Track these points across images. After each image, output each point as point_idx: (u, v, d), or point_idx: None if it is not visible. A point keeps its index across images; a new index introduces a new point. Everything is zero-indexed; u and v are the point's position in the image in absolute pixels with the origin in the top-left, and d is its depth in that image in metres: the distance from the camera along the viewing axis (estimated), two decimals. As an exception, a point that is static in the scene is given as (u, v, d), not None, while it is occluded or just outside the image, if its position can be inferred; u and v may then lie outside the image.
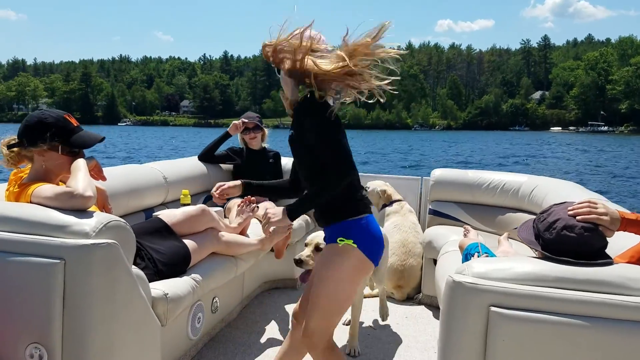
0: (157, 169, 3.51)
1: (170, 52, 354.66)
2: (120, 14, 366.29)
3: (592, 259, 1.75)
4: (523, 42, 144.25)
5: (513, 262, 1.76)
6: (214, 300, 2.91)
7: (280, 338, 3.06)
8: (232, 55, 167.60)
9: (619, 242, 2.04)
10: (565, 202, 1.94)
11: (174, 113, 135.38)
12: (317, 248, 2.40)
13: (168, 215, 2.76)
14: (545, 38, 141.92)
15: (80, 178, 2.05)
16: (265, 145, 4.28)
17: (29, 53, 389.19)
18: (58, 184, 2.20)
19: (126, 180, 3.13)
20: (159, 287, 2.28)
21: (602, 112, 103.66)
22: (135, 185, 3.18)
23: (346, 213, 1.93)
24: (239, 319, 3.33)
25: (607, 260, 1.76)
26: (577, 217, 1.79)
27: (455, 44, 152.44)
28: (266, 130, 4.25)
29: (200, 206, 2.88)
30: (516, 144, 51.07)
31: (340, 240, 1.92)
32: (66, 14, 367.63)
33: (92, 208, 2.33)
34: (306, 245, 2.49)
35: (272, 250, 3.40)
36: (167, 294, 2.26)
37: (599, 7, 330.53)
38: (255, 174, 4.04)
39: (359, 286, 2.30)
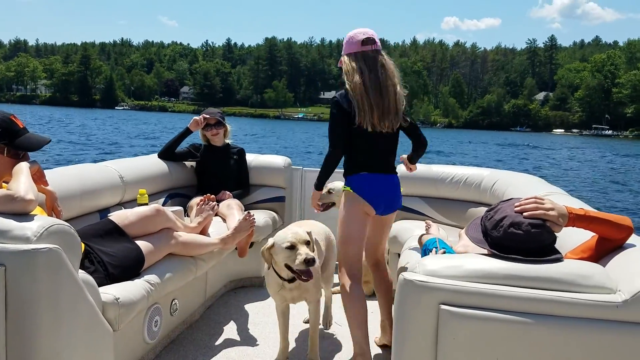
0: (113, 168, 3.43)
1: (173, 37, 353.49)
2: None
3: (542, 255, 1.74)
4: (529, 42, 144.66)
5: (464, 259, 1.76)
6: (173, 303, 2.87)
7: (241, 339, 3.05)
8: (235, 43, 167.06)
9: (573, 238, 2.06)
10: (512, 199, 1.95)
11: (173, 99, 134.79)
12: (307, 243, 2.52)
13: (119, 217, 2.68)
14: (552, 38, 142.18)
15: (21, 181, 2.02)
16: (228, 141, 4.22)
17: (33, 33, 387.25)
18: (1, 186, 2.15)
19: (79, 180, 3.05)
20: (109, 292, 2.24)
21: (607, 116, 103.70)
22: (89, 186, 3.10)
23: (346, 172, 2.76)
24: (201, 321, 3.29)
25: (556, 257, 1.76)
26: (524, 214, 1.79)
27: (461, 41, 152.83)
28: (229, 127, 4.18)
29: (154, 206, 2.81)
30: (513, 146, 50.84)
31: (344, 188, 2.74)
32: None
33: (39, 211, 2.28)
34: (307, 244, 2.49)
35: (235, 249, 3.36)
36: (119, 298, 2.23)
37: (607, 9, 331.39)
38: (218, 172, 4.02)
39: (364, 224, 2.74)
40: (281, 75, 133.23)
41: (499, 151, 40.54)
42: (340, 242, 2.75)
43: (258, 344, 2.97)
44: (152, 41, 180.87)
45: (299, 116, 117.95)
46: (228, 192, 3.85)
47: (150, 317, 2.59)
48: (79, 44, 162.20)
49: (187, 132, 4.05)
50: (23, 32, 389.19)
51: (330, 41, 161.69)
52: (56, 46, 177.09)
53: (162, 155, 4.01)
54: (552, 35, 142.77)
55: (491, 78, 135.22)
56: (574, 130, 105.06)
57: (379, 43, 2.72)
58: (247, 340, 3.04)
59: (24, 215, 1.91)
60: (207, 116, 4.06)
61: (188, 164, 4.19)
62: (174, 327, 2.98)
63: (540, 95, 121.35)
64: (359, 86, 2.58)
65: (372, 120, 2.59)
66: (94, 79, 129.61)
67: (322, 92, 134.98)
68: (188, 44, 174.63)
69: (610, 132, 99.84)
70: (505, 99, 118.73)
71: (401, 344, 1.71)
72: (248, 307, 3.56)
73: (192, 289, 3.15)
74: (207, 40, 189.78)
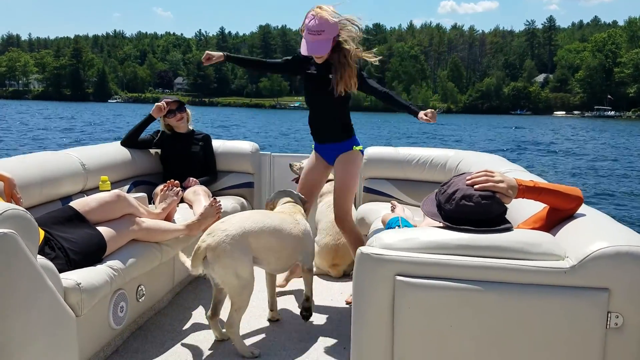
0: (74, 156, 3.46)
1: (167, 28, 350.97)
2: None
3: (492, 226, 1.84)
4: (527, 23, 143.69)
5: (418, 232, 1.85)
6: (139, 289, 2.91)
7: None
8: (229, 32, 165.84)
9: (526, 210, 2.16)
10: (464, 173, 2.05)
11: (167, 90, 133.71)
12: None
13: (80, 203, 2.72)
14: (551, 19, 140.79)
15: None
16: (192, 127, 4.25)
17: (25, 28, 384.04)
18: None
19: (39, 168, 3.07)
20: (71, 277, 2.27)
21: (608, 96, 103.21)
22: (50, 174, 3.12)
23: (352, 132, 3.28)
24: (169, 307, 3.34)
25: (506, 226, 1.85)
26: (475, 187, 1.88)
27: (458, 24, 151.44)
28: (189, 112, 4.20)
29: (115, 192, 2.84)
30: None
31: (355, 147, 3.25)
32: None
33: None
34: None
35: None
36: (80, 283, 2.26)
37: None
38: (183, 159, 4.06)
39: None
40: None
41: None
42: (351, 197, 3.31)
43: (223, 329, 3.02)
44: (146, 32, 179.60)
45: (295, 105, 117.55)
46: (194, 179, 3.89)
47: (115, 303, 2.62)
48: (72, 37, 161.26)
49: (149, 119, 4.06)
50: (15, 27, 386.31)
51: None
52: (49, 40, 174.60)
53: (124, 143, 4.03)
54: (551, 15, 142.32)
55: (490, 61, 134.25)
56: (575, 112, 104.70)
57: None
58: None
59: None
60: (170, 100, 4.08)
61: (153, 151, 4.21)
62: (141, 313, 3.03)
63: (540, 77, 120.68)
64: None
65: None
66: (86, 72, 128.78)
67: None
68: (182, 34, 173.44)
69: (612, 112, 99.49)
70: (505, 82, 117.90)
71: (360, 315, 1.80)
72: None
73: (160, 275, 3.20)
74: (200, 30, 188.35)
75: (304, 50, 2.99)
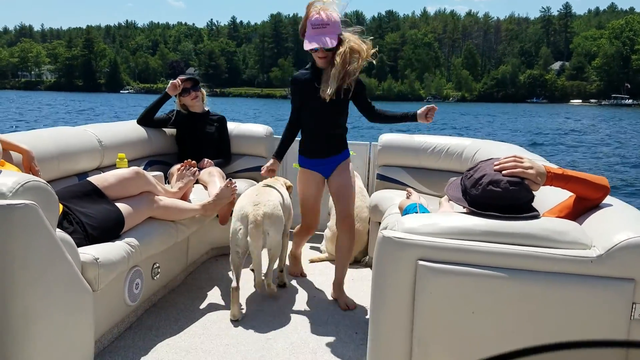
0: (91, 132, 3.47)
1: (179, 18, 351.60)
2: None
3: (519, 213, 1.81)
4: (543, 10, 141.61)
5: (442, 217, 1.83)
6: (154, 266, 2.94)
7: (224, 303, 3.14)
8: (240, 22, 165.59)
9: (552, 197, 2.14)
10: (491, 158, 2.00)
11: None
12: None
13: (99, 179, 2.72)
14: (567, 6, 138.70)
15: None
16: (207, 108, 4.25)
17: (38, 18, 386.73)
18: None
19: (57, 143, 3.08)
20: (89, 252, 2.28)
21: (626, 84, 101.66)
22: (67, 149, 3.13)
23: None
24: (182, 285, 3.37)
25: (533, 214, 1.82)
26: (503, 172, 1.85)
27: (473, 11, 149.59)
28: (204, 91, 4.21)
29: (134, 168, 2.85)
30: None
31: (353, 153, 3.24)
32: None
33: (12, 168, 2.37)
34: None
35: (217, 216, 3.43)
36: (98, 258, 2.27)
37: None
38: (199, 139, 4.06)
39: None
40: (287, 53, 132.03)
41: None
42: (353, 200, 3.24)
43: (242, 308, 3.05)
44: (158, 22, 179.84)
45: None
46: (209, 160, 3.90)
47: (131, 280, 2.64)
48: (84, 27, 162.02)
49: (165, 96, 4.06)
50: (28, 18, 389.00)
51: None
52: (62, 31, 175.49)
53: (140, 121, 4.04)
54: (567, 2, 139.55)
55: (505, 48, 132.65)
56: (592, 101, 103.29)
57: None
58: (229, 305, 3.08)
59: None
60: (184, 77, 4.09)
61: (168, 131, 4.22)
62: (155, 290, 3.06)
63: (556, 65, 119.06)
64: None
65: None
66: (98, 63, 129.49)
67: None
68: (193, 24, 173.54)
69: (630, 101, 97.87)
70: (521, 69, 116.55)
71: (380, 299, 1.78)
72: (231, 273, 3.62)
73: (174, 254, 3.23)
74: (212, 19, 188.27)
75: (308, 45, 2.82)
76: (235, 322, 2.87)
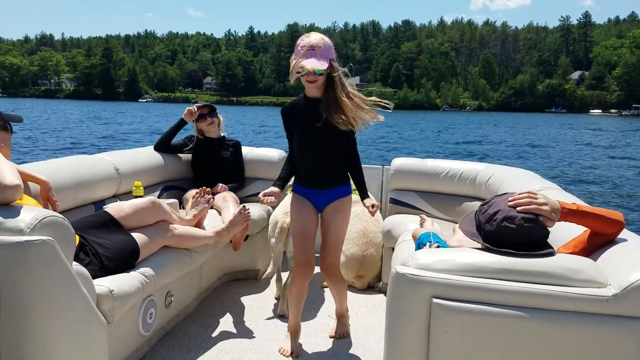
0: (108, 160, 3.51)
1: (198, 28, 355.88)
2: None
3: (534, 249, 1.81)
4: (562, 19, 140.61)
5: (456, 253, 1.82)
6: (168, 295, 2.94)
7: (236, 331, 3.13)
8: (258, 31, 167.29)
9: (566, 232, 2.11)
10: (506, 193, 2.00)
11: (196, 90, 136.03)
12: None
13: (115, 208, 2.75)
14: (586, 15, 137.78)
15: (2, 169, 2.04)
16: (223, 134, 4.31)
17: (59, 27, 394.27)
18: None
19: (74, 172, 3.11)
20: (104, 284, 2.29)
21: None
22: (84, 177, 3.16)
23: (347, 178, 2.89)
24: (196, 313, 3.37)
25: (548, 251, 1.82)
26: (517, 208, 1.85)
27: (490, 21, 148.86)
28: (221, 117, 4.27)
29: (150, 198, 2.87)
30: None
31: (354, 191, 2.88)
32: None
33: (33, 202, 2.37)
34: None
35: (230, 242, 3.44)
36: (113, 290, 2.28)
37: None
38: (213, 164, 4.10)
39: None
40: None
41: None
42: (339, 251, 2.95)
43: (254, 337, 3.05)
44: (177, 32, 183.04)
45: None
46: (223, 185, 3.93)
47: (145, 310, 2.64)
48: (104, 37, 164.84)
49: (181, 123, 4.13)
50: (49, 27, 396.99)
51: (354, 25, 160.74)
52: (82, 40, 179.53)
53: (157, 147, 4.11)
54: (586, 11, 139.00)
55: (523, 57, 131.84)
56: (612, 111, 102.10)
57: None
58: (243, 332, 3.11)
59: (16, 207, 1.93)
60: (200, 104, 4.17)
61: (183, 156, 4.27)
62: (168, 319, 3.05)
63: (576, 75, 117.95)
64: None
65: None
66: (117, 72, 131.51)
67: (345, 77, 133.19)
68: (212, 34, 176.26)
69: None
70: (539, 79, 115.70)
71: (394, 336, 1.77)
72: (243, 299, 3.65)
73: (187, 281, 3.23)
74: (229, 30, 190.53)
75: (294, 74, 2.60)
76: (254, 338, 3.04)
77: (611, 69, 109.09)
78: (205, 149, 4.17)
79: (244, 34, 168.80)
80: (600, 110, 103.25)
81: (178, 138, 4.23)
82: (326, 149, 2.74)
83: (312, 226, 2.83)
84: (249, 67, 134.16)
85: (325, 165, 2.78)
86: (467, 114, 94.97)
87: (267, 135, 32.31)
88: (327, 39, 2.56)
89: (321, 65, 2.48)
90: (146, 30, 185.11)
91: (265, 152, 4.49)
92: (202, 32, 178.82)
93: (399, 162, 4.15)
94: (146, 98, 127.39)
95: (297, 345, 2.89)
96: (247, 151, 4.43)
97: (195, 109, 4.12)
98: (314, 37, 2.53)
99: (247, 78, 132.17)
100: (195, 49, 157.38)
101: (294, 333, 2.90)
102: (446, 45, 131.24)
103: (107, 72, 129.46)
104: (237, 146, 4.29)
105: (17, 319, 1.82)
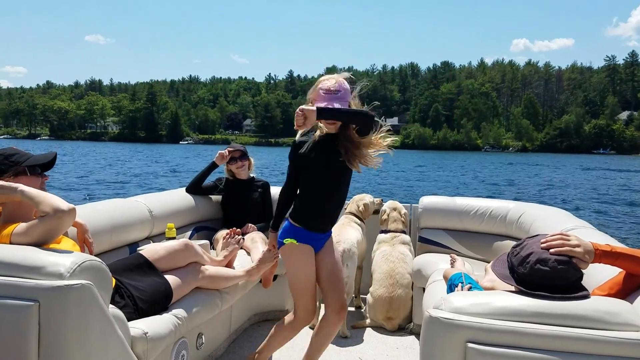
0: (143, 203, 3.62)
1: (241, 73, 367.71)
2: (203, 37, 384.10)
3: (569, 292, 1.79)
4: (607, 59, 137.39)
5: (490, 296, 1.81)
6: (199, 336, 2.97)
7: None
8: (298, 75, 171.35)
9: (600, 274, 2.10)
10: (538, 235, 2.00)
11: (236, 132, 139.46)
12: None
13: (149, 251, 2.83)
14: (633, 54, 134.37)
15: (47, 197, 2.15)
16: (253, 175, 4.44)
17: (108, 73, 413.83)
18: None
19: (110, 215, 3.21)
20: (138, 326, 2.33)
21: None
22: (119, 220, 3.26)
23: None
24: (226, 355, 3.39)
25: (583, 294, 1.80)
26: (550, 250, 1.84)
27: (532, 61, 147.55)
28: (252, 160, 4.40)
29: (183, 241, 2.96)
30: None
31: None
32: (153, 37, 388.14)
33: (71, 244, 2.51)
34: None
35: (260, 281, 3.50)
36: (147, 332, 2.32)
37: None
38: (243, 204, 4.21)
39: None
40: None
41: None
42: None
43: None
44: (220, 77, 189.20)
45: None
46: (252, 225, 4.03)
47: (177, 351, 2.66)
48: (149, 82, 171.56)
49: (213, 166, 4.28)
50: (98, 73, 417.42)
51: (393, 67, 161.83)
52: (129, 85, 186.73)
53: (190, 190, 4.25)
54: (633, 51, 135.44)
55: (568, 97, 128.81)
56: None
57: None
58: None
59: (57, 251, 2.03)
60: (232, 149, 4.31)
61: (214, 197, 4.39)
62: None
63: (624, 115, 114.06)
64: None
65: None
66: (160, 115, 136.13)
67: (383, 118, 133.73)
68: (253, 78, 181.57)
69: None
70: (585, 119, 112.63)
71: None
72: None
73: (218, 322, 3.26)
74: (270, 74, 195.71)
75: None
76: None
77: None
78: (235, 190, 4.30)
79: (284, 77, 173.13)
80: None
81: (209, 179, 4.37)
82: (341, 185, 2.78)
83: (315, 277, 2.85)
84: (287, 109, 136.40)
85: (338, 203, 2.82)
86: (512, 155, 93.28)
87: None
88: (346, 84, 2.70)
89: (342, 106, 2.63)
90: (190, 75, 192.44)
91: None
92: (244, 77, 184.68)
93: (427, 200, 4.16)
94: (187, 140, 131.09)
95: None
96: (275, 191, 4.46)
97: (227, 152, 4.27)
98: (336, 82, 2.67)
99: (286, 120, 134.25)
100: (236, 93, 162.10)
101: None
102: (487, 85, 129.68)
103: (151, 116, 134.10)
104: (265, 187, 4.41)
105: None
